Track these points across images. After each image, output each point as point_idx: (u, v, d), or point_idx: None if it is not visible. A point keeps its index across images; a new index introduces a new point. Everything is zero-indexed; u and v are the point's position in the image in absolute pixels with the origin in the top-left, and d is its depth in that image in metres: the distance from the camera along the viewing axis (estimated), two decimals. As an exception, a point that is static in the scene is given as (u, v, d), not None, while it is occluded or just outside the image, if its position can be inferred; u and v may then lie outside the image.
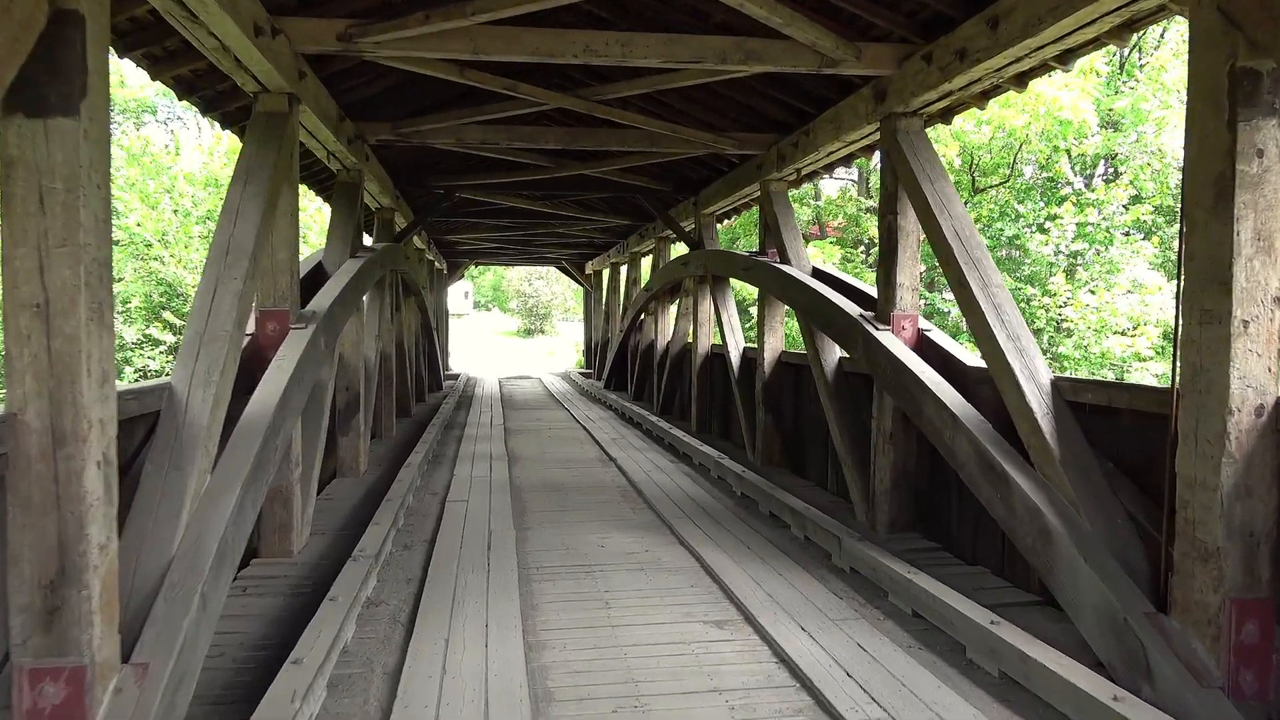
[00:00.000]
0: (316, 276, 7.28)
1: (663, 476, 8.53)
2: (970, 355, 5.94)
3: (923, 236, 6.39)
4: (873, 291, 7.27)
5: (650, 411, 13.56)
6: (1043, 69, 5.65)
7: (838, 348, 7.67)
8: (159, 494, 3.74)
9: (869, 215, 23.45)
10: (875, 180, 24.48)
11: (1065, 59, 5.29)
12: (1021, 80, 5.82)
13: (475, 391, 18.99)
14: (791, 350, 9.39)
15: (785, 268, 8.37)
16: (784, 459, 9.13)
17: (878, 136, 6.92)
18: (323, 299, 6.34)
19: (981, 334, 5.12)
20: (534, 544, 6.18)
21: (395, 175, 11.32)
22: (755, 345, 9.71)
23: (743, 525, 6.56)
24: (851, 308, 6.74)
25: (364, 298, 8.87)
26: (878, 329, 6.27)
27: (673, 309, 15.21)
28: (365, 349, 9.54)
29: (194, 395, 4.10)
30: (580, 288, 29.12)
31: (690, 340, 12.98)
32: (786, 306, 9.16)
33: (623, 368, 18.41)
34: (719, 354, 11.73)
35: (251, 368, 5.21)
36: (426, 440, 9.93)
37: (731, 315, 10.88)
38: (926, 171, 5.96)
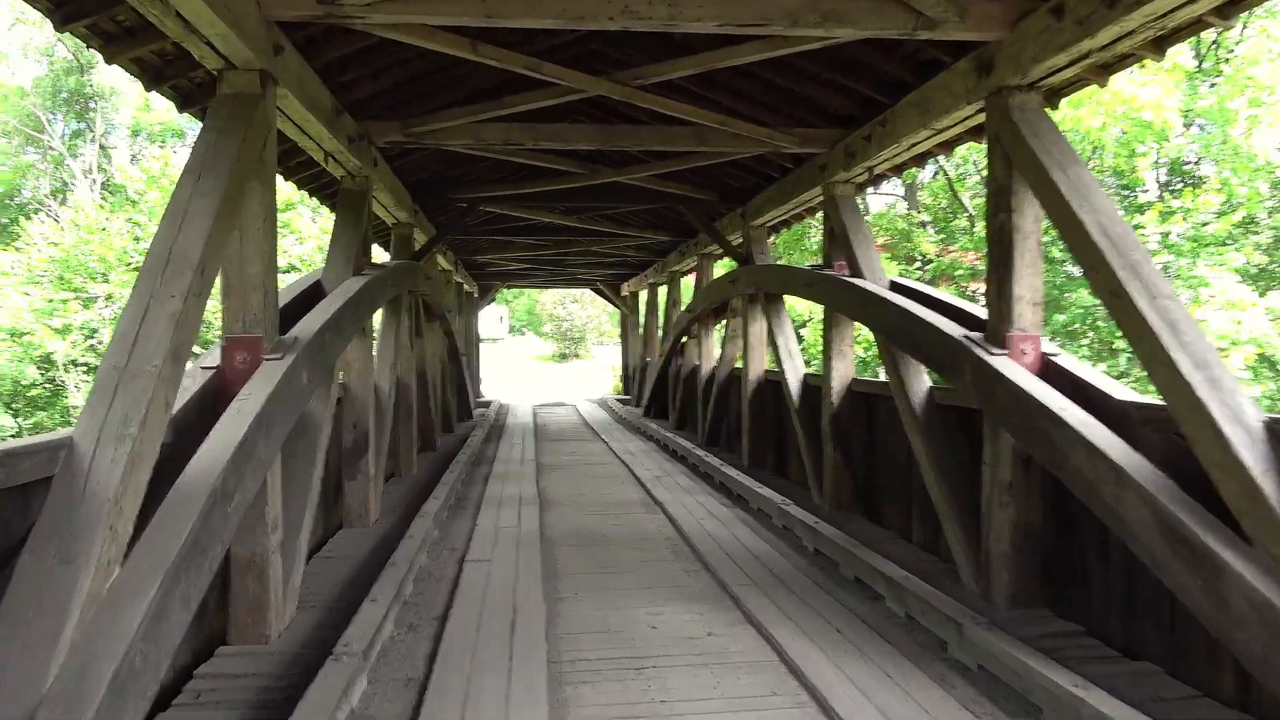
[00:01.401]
0: (313, 297, 6.21)
1: (717, 526, 7.31)
2: (1118, 387, 4.68)
3: (1037, 237, 5.18)
4: (973, 308, 6.06)
5: (695, 443, 12.35)
6: (1198, 26, 4.49)
7: (926, 375, 6.45)
8: (33, 601, 2.63)
9: (920, 230, 22.15)
10: (930, 190, 23.19)
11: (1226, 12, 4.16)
12: (1159, 46, 4.66)
13: (507, 421, 17.91)
14: (863, 378, 8.15)
15: (859, 282, 7.16)
16: (855, 503, 7.87)
17: (980, 119, 5.73)
18: (309, 323, 5.25)
19: (1154, 360, 3.88)
20: (569, 623, 4.99)
21: (413, 189, 10.31)
22: (818, 372, 8.51)
23: (823, 596, 5.33)
24: (952, 328, 5.52)
25: (371, 322, 7.81)
26: (991, 353, 5.04)
27: (717, 331, 14.04)
28: (378, 379, 8.48)
29: (101, 454, 3.00)
30: (616, 310, 28.06)
31: (739, 365, 11.77)
32: (854, 328, 7.98)
33: (663, 394, 17.22)
34: (773, 380, 10.52)
35: (216, 411, 4.13)
36: (448, 481, 8.81)
37: (788, 338, 9.67)
38: (1055, 156, 4.75)
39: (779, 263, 11.13)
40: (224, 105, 4.48)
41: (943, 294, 6.65)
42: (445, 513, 7.82)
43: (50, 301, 18.37)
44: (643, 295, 21.94)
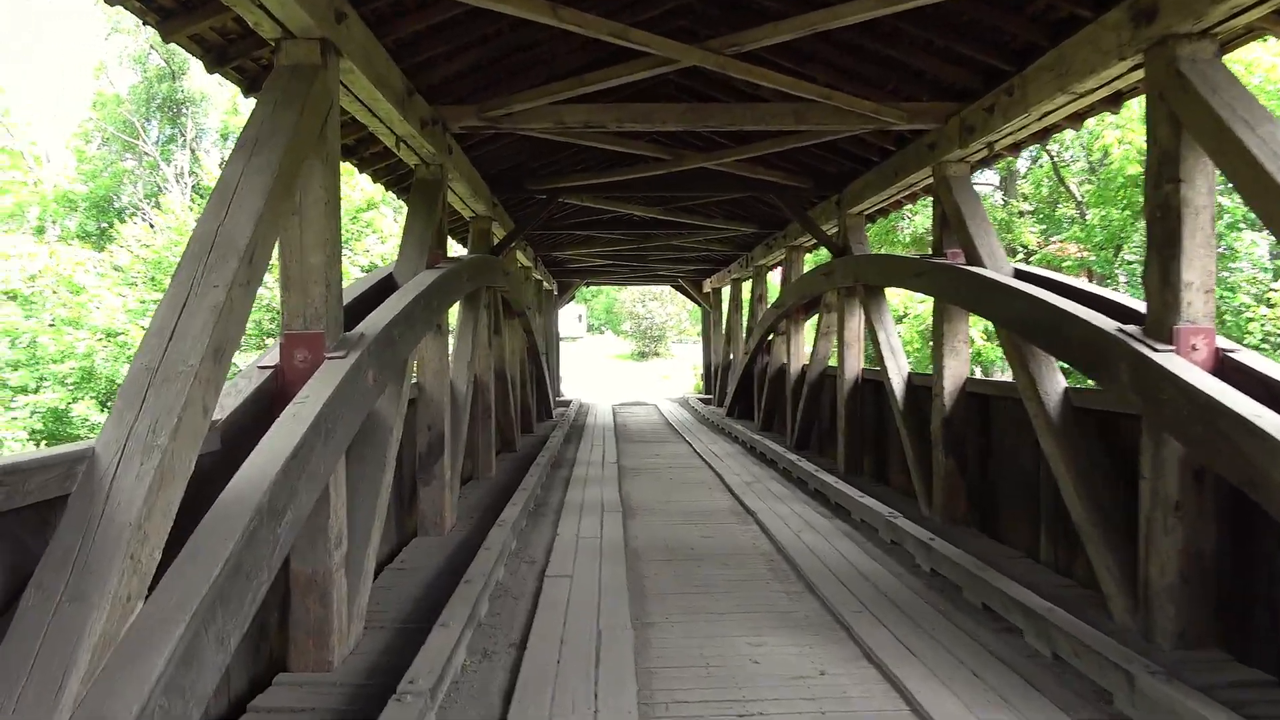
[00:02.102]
0: (384, 292, 5.80)
1: (817, 539, 6.66)
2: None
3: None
4: (1123, 298, 5.29)
5: (783, 445, 11.69)
6: None
7: (1060, 374, 5.70)
8: (33, 649, 2.19)
9: (1021, 220, 20.95)
10: (1033, 178, 21.94)
11: None
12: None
13: (587, 421, 17.49)
14: (978, 378, 7.38)
15: (979, 270, 6.42)
16: (970, 515, 7.12)
17: (1133, 78, 4.97)
18: (378, 318, 4.81)
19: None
20: (660, 654, 4.44)
21: (492, 182, 9.91)
22: (926, 371, 7.77)
23: (948, 626, 4.65)
24: (1102, 320, 4.77)
25: (447, 318, 7.41)
26: (1155, 349, 4.29)
27: (808, 327, 13.33)
28: (454, 378, 8.08)
29: (125, 469, 2.56)
30: (697, 307, 27.44)
31: (833, 363, 11.06)
32: (967, 322, 7.23)
33: (748, 394, 16.56)
34: (872, 380, 9.79)
35: (273, 415, 3.71)
36: (527, 486, 8.36)
37: (890, 334, 8.92)
38: (1240, 114, 3.98)
39: (885, 253, 10.36)
40: (281, 77, 4.06)
41: (1082, 282, 5.87)
42: (524, 520, 7.37)
43: (143, 302, 18.73)
44: (725, 291, 21.28)
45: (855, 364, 10.13)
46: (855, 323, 10.11)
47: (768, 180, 9.92)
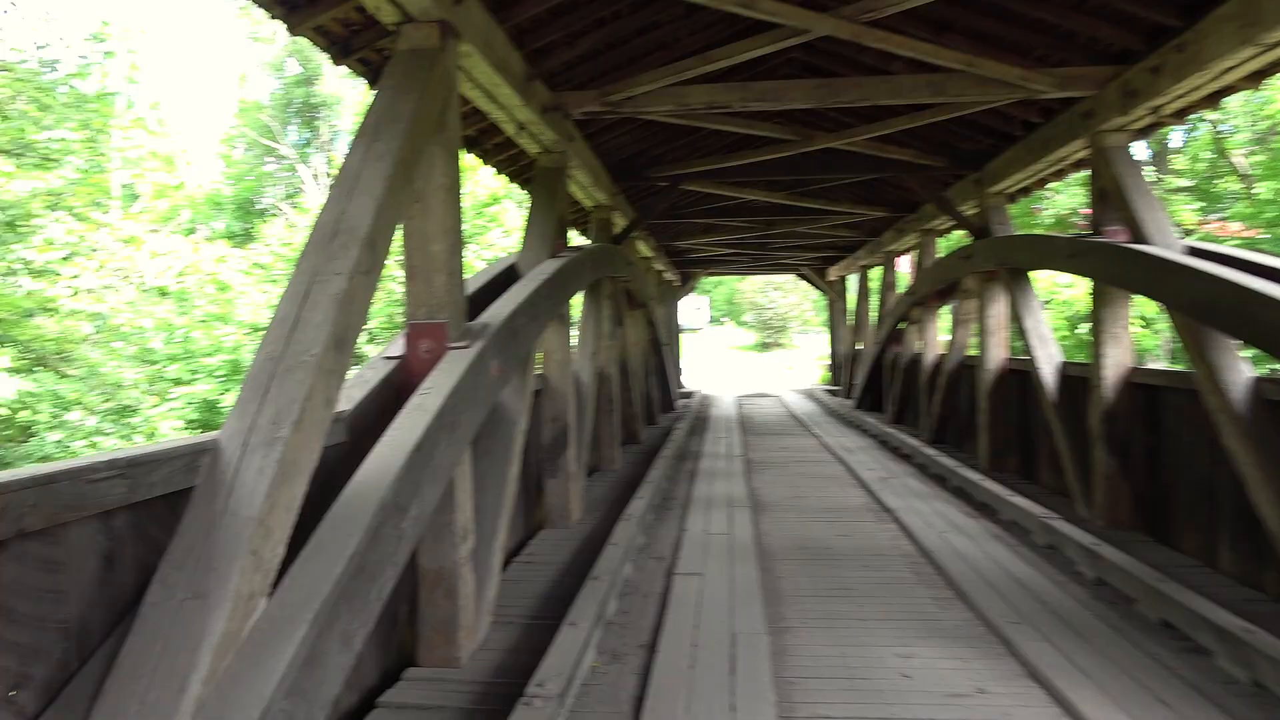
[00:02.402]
0: (508, 281, 5.71)
1: (964, 541, 6.21)
2: None
3: None
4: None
5: (919, 439, 11.11)
6: None
7: (1244, 363, 5.09)
8: (156, 647, 2.11)
9: (1177, 196, 19.40)
10: (1191, 151, 20.30)
11: None
12: None
13: (710, 413, 17.22)
14: (1144, 367, 6.74)
15: (1147, 249, 5.82)
16: (1136, 519, 6.50)
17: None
18: (500, 308, 4.70)
19: None
20: (799, 663, 4.15)
21: (613, 171, 9.77)
22: (1077, 359, 7.15)
23: (1123, 644, 4.17)
24: (1304, 297, 4.18)
25: (570, 309, 7.30)
26: (1378, 330, 3.70)
27: (943, 315, 12.66)
28: (578, 369, 7.99)
29: (247, 462, 2.48)
30: (821, 296, 26.76)
31: (972, 352, 10.43)
32: (1129, 307, 6.59)
33: (877, 385, 15.92)
34: (1018, 370, 9.16)
35: (399, 406, 3.62)
36: (652, 479, 8.18)
37: (1038, 320, 8.29)
38: None
39: (1032, 233, 9.63)
40: (400, 62, 3.98)
41: (1273, 259, 5.21)
42: (650, 514, 7.18)
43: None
44: (852, 279, 20.62)
45: (999, 353, 9.50)
46: (997, 309, 9.50)
47: (900, 160, 9.40)
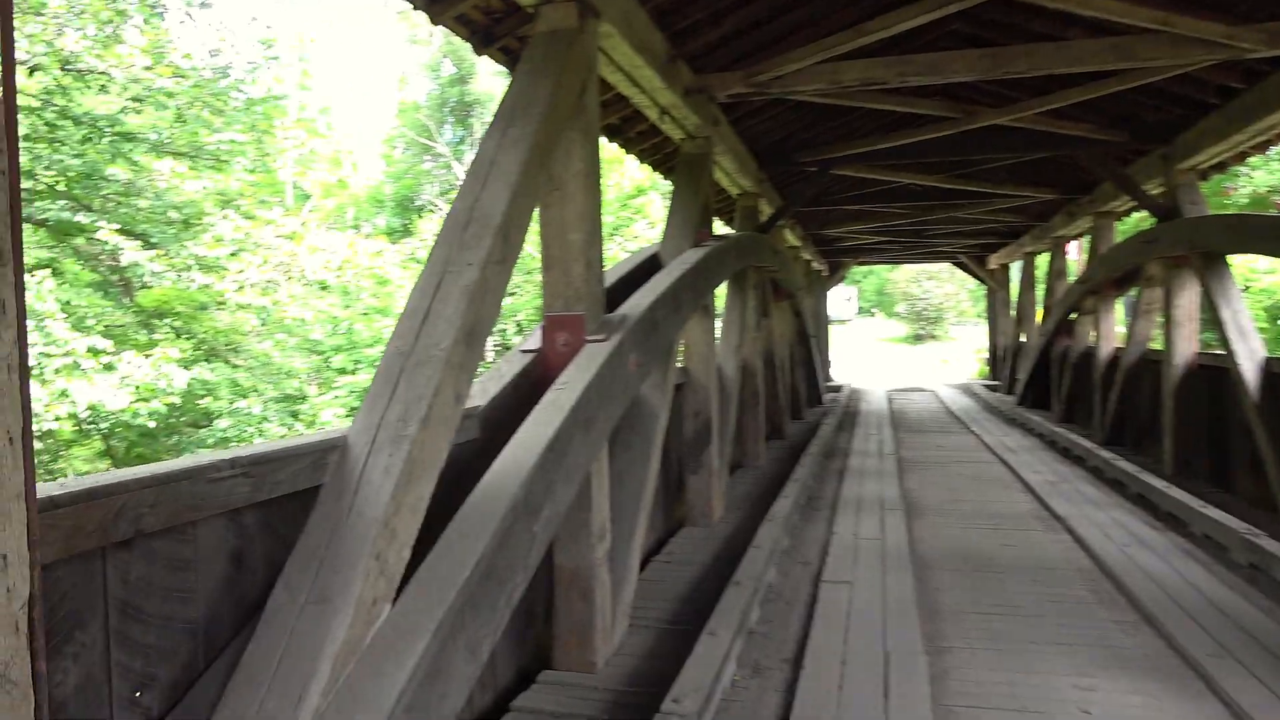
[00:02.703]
0: (649, 271, 5.54)
1: (1150, 558, 5.58)
2: None
3: None
4: None
5: (1091, 440, 10.24)
6: None
7: None
8: (277, 651, 2.04)
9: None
10: None
11: None
12: None
13: (860, 407, 16.58)
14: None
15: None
16: (1361, 536, 5.66)
17: None
18: (640, 299, 4.52)
19: None
20: (961, 689, 3.77)
21: (759, 157, 9.45)
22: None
23: (1357, 688, 3.57)
24: None
25: (714, 300, 7.07)
26: None
27: (1120, 306, 11.64)
28: (722, 362, 7.75)
29: (374, 461, 2.38)
30: (979, 286, 25.38)
31: (1155, 345, 9.50)
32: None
33: (1042, 380, 14.87)
34: (1210, 366, 8.26)
35: (535, 401, 3.51)
36: (798, 477, 7.85)
37: (1238, 311, 7.41)
38: None
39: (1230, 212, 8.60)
40: (538, 45, 3.84)
41: None
42: (796, 515, 6.87)
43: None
44: (1015, 267, 19.40)
45: (1187, 347, 8.58)
46: (1186, 298, 8.58)
47: (1074, 135, 8.61)
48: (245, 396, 14.15)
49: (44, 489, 1.63)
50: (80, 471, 11.65)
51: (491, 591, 2.56)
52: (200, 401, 13.57)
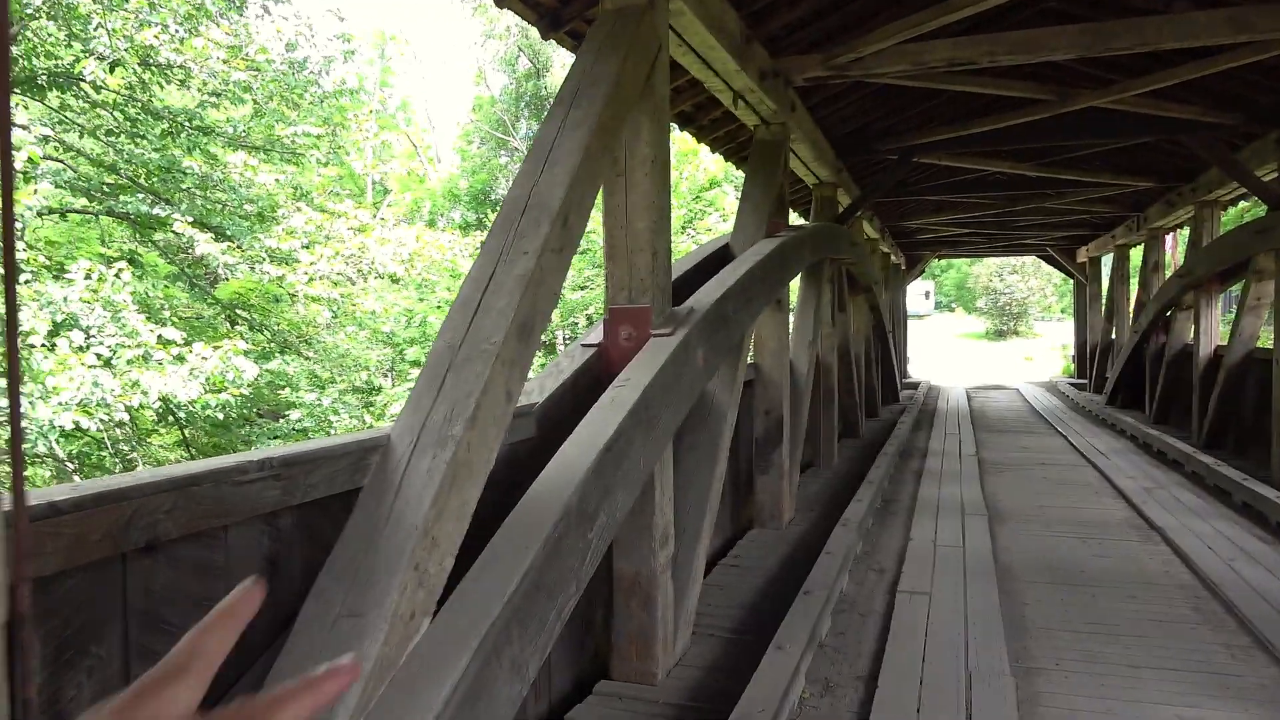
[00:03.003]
0: (720, 263, 5.31)
1: (1258, 572, 5.14)
2: None
3: None
4: None
5: (1189, 443, 9.63)
6: None
7: None
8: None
9: None
10: None
11: None
12: None
13: (938, 405, 16.03)
14: None
15: None
16: None
17: None
18: (709, 292, 4.30)
19: None
20: (1052, 715, 3.47)
21: (837, 146, 9.11)
22: None
23: None
24: None
25: (788, 293, 6.80)
26: None
27: (1220, 302, 10.92)
28: (794, 358, 7.47)
29: (416, 463, 2.23)
30: (1065, 280, 24.34)
31: (1263, 344, 8.86)
32: None
33: (1136, 379, 14.13)
34: (1327, 366, 7.65)
35: (595, 399, 3.33)
36: (873, 479, 7.53)
37: (1364, 306, 6.83)
38: None
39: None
40: (604, 23, 3.65)
41: None
42: (870, 519, 6.57)
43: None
44: (1106, 260, 18.49)
45: (1301, 346, 7.96)
46: (1301, 294, 7.96)
47: (1179, 119, 8.05)
48: (323, 389, 14.37)
49: (47, 494, 1.51)
50: (161, 460, 11.97)
51: (540, 605, 2.38)
52: (280, 392, 13.82)
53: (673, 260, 4.30)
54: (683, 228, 22.49)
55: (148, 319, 9.62)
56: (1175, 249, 21.30)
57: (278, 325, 12.84)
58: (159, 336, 9.14)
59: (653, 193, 3.77)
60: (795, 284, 7.64)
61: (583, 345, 3.80)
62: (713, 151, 8.61)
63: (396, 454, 2.27)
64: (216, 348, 9.44)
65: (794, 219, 9.53)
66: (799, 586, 4.63)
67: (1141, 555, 5.77)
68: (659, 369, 3.38)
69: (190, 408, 9.60)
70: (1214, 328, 10.65)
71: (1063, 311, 47.38)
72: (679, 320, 3.81)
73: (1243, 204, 11.78)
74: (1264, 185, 8.18)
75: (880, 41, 5.87)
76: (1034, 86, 7.50)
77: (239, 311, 13.10)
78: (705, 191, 23.22)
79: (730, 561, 5.60)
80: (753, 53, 5.47)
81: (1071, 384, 19.82)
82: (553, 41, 4.96)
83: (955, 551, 5.66)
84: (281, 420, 13.49)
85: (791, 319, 7.62)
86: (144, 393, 8.56)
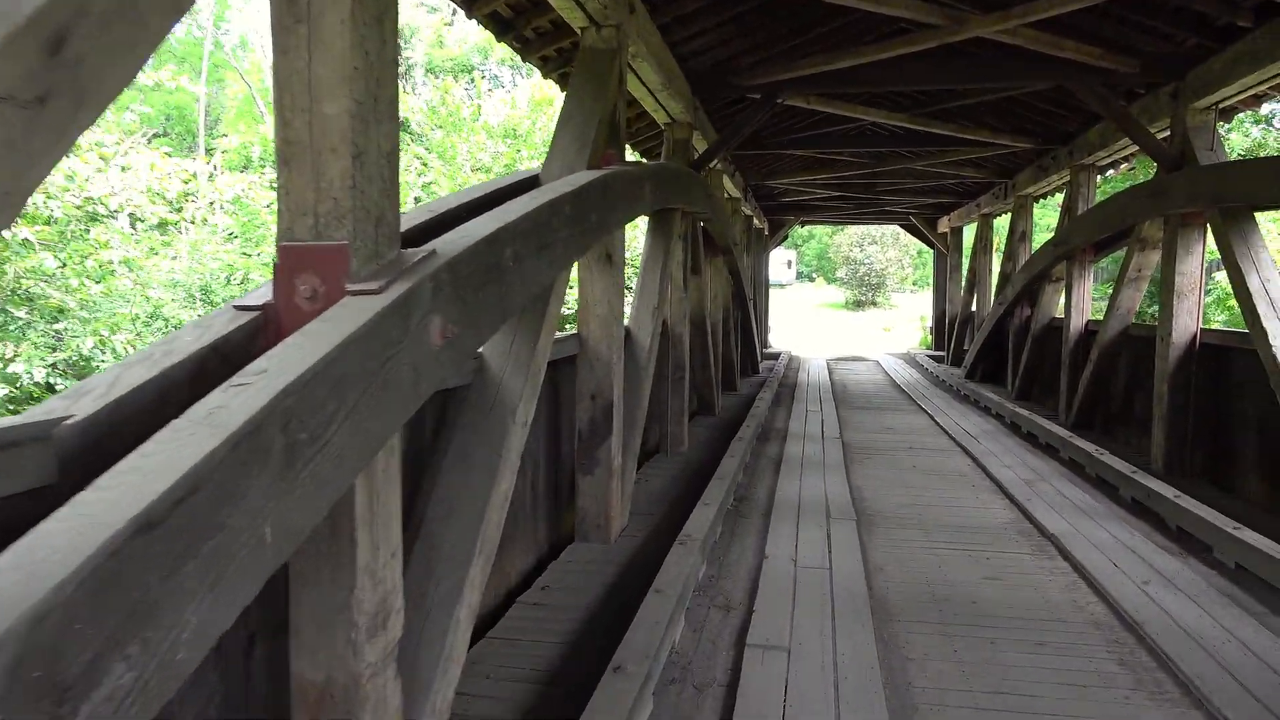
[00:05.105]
0: (514, 195, 3.80)
1: (1179, 602, 4.17)
2: None
3: None
4: None
5: (1057, 424, 8.95)
6: None
7: None
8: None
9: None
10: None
11: None
12: None
13: (799, 378, 15.15)
14: None
15: None
16: None
17: None
18: (471, 229, 2.83)
19: None
20: None
21: (692, 81, 7.77)
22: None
23: None
24: None
25: (621, 244, 5.42)
26: None
27: (1092, 273, 10.30)
28: (634, 326, 6.15)
29: None
30: (923, 252, 24.13)
31: (1146, 321, 8.16)
32: None
33: (997, 353, 13.63)
34: (1214, 346, 6.96)
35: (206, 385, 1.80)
36: (726, 473, 6.29)
37: (1272, 280, 6.04)
38: None
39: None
40: None
41: None
42: (719, 528, 5.33)
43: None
44: (969, 230, 18.11)
45: (1189, 323, 7.22)
46: (1190, 266, 7.21)
47: (1074, 61, 7.08)
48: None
49: None
50: None
51: None
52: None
53: (442, 197, 2.80)
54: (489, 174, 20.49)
55: None
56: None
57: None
58: None
59: (356, 54, 2.25)
60: (641, 240, 6.26)
61: (235, 307, 2.27)
62: (545, 76, 7.08)
63: None
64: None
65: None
66: (623, 633, 3.33)
67: (1040, 577, 4.73)
68: (337, 346, 1.91)
69: None
70: (1085, 301, 10.01)
71: (915, 284, 48.34)
72: (401, 269, 2.33)
73: (1110, 172, 11.21)
74: (1158, 143, 7.35)
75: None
76: (922, 6, 6.30)
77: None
78: (521, 127, 21.14)
79: (533, 598, 4.21)
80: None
81: (930, 356, 19.47)
82: None
83: (820, 575, 4.48)
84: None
85: (634, 282, 6.25)
86: None
